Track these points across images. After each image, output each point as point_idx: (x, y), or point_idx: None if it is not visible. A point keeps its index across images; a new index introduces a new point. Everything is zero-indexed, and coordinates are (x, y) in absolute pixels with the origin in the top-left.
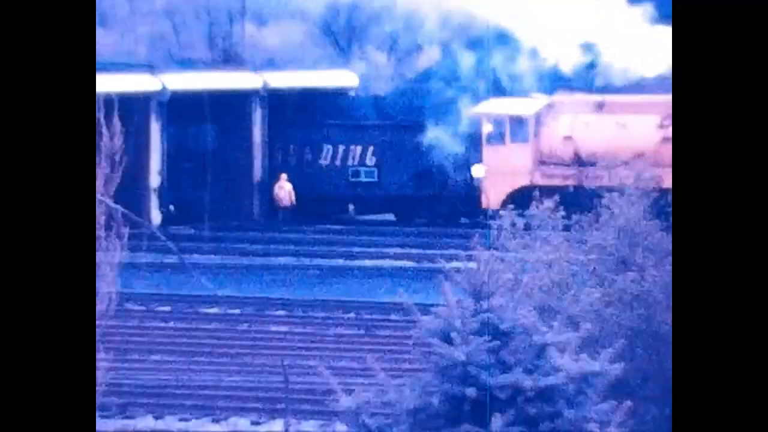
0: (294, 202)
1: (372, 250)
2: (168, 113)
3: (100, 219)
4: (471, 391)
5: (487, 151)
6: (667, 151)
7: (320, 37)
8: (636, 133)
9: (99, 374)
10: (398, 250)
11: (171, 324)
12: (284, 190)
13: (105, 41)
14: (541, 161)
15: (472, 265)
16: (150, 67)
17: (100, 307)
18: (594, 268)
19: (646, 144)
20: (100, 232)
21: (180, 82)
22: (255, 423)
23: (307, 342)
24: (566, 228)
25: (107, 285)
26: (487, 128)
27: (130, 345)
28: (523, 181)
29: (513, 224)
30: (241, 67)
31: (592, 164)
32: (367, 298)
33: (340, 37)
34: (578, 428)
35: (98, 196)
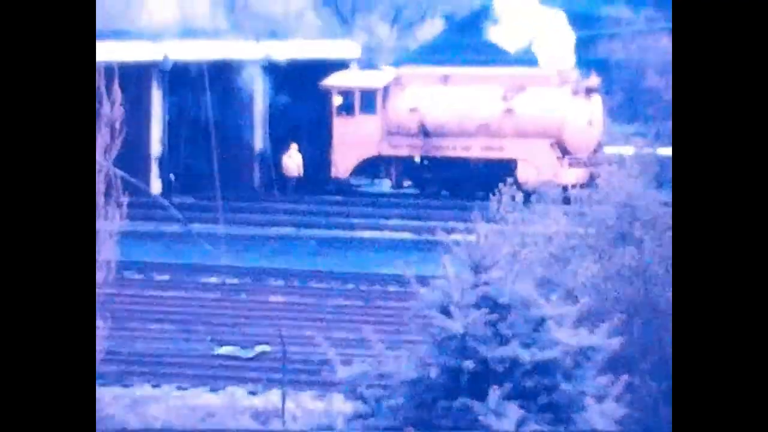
0: (302, 173)
1: (371, 221)
2: (170, 82)
3: (100, 187)
4: (468, 364)
5: (338, 122)
6: (509, 122)
7: (322, 7)
8: (480, 105)
9: (97, 342)
10: (397, 222)
11: (169, 293)
12: (293, 159)
13: (107, 9)
14: (389, 132)
15: (472, 238)
16: (152, 36)
17: (99, 275)
18: (593, 241)
19: (490, 115)
20: (100, 200)
21: (182, 51)
22: (252, 393)
23: (305, 312)
24: (566, 201)
25: (106, 253)
26: (337, 100)
27: (129, 313)
28: (372, 152)
29: (512, 197)
30: (243, 37)
31: (437, 135)
32: (366, 269)
33: (343, 8)
34: (575, 402)
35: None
